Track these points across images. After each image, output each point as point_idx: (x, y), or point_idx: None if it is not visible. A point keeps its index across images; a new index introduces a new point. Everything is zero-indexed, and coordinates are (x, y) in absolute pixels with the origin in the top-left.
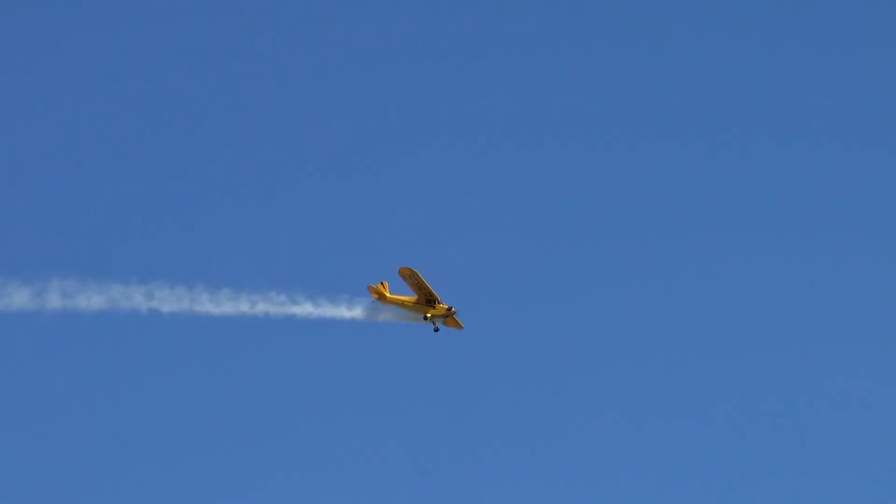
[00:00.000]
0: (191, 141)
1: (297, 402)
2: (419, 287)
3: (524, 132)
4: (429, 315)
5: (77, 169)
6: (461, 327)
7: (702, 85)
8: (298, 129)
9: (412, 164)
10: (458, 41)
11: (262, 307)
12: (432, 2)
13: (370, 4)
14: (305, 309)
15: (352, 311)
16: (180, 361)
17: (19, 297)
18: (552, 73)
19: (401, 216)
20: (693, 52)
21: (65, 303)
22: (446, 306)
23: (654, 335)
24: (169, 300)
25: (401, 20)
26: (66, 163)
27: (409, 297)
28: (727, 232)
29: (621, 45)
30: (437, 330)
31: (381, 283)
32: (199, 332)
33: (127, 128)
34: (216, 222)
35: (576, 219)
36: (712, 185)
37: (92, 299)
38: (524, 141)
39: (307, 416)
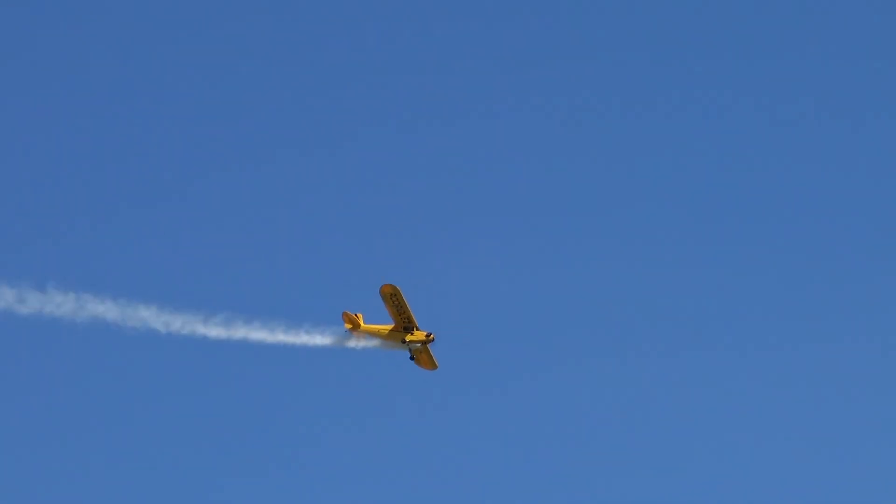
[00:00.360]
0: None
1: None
2: (398, 309)
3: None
4: (407, 339)
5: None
6: (435, 367)
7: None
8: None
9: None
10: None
11: (223, 331)
12: None
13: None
14: (273, 335)
15: (321, 339)
16: (142, 384)
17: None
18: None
19: (374, 240)
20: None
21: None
22: (425, 333)
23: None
24: (135, 320)
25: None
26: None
27: (385, 326)
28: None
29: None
30: (412, 358)
31: (356, 315)
32: (161, 355)
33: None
34: (185, 242)
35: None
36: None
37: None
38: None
39: (273, 441)
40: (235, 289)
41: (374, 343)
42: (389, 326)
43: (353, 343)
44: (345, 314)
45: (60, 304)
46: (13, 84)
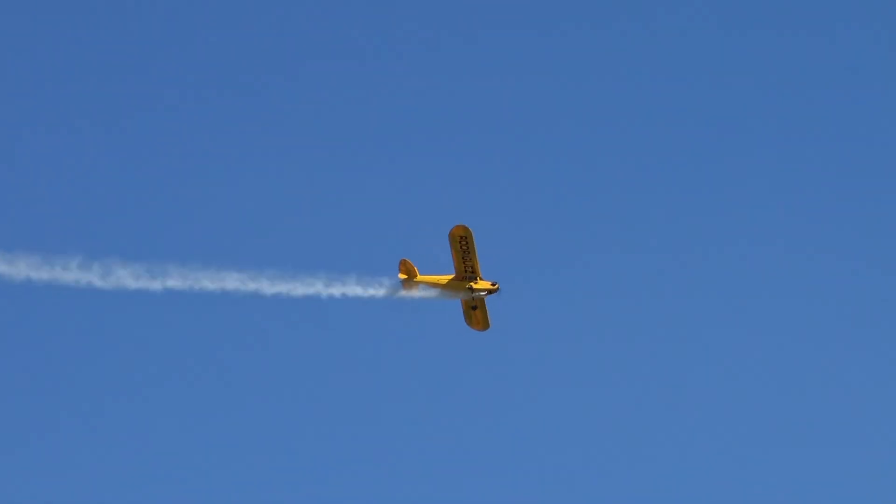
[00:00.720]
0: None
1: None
2: (465, 254)
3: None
4: (474, 286)
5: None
6: (487, 327)
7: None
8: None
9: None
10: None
11: (278, 287)
12: None
13: None
14: (324, 289)
15: (373, 290)
16: (195, 344)
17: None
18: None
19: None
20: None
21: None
22: (490, 282)
23: None
24: (190, 281)
25: None
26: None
27: (443, 277)
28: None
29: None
30: (475, 308)
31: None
32: (206, 313)
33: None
34: (229, 202)
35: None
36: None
37: (106, 279)
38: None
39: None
40: (281, 244)
41: (429, 294)
42: (448, 277)
43: (406, 294)
44: (403, 262)
45: (127, 274)
46: None
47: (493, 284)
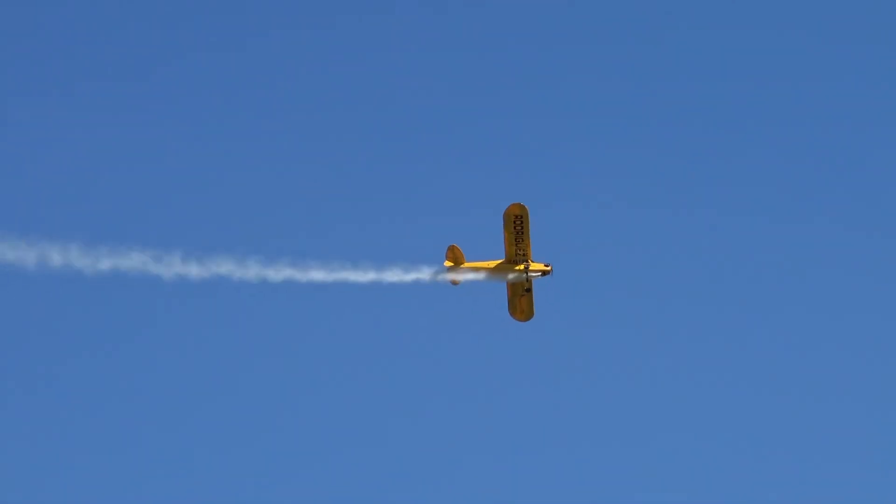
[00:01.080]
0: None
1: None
2: (519, 235)
3: None
4: (530, 268)
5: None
6: (531, 316)
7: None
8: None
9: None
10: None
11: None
12: None
13: None
14: (368, 276)
15: (417, 275)
16: (234, 333)
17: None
18: None
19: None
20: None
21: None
22: (543, 263)
23: None
24: (232, 273)
25: None
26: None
27: (490, 262)
28: None
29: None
30: (528, 290)
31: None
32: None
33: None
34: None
35: None
36: None
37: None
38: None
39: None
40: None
41: (477, 277)
42: (496, 262)
43: (451, 280)
44: (451, 248)
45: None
46: None
47: (546, 266)
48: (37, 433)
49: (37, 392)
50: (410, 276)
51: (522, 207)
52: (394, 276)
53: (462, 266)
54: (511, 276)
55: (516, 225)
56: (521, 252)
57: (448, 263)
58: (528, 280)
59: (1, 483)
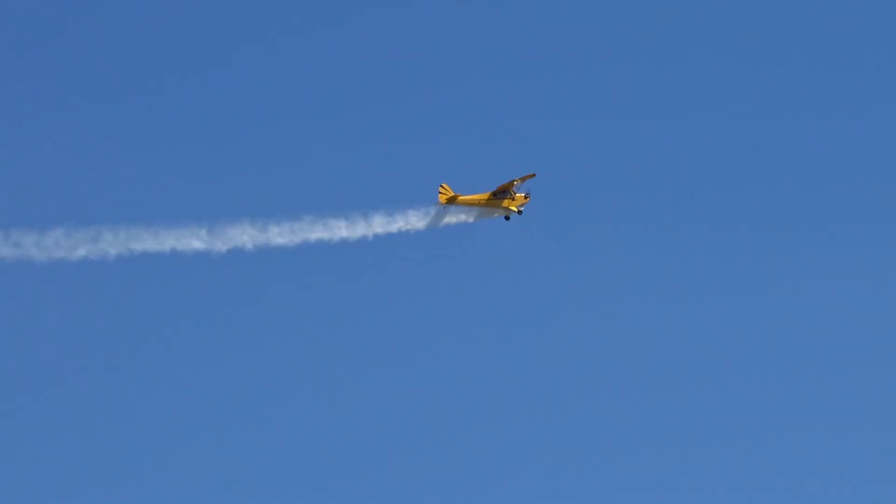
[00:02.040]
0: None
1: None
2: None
3: None
4: (509, 206)
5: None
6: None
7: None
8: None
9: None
10: None
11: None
12: None
13: None
14: (364, 228)
15: (414, 221)
16: (246, 292)
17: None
18: None
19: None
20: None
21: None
22: (523, 195)
23: None
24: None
25: None
26: None
27: (481, 195)
28: None
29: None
30: (507, 218)
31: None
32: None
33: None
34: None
35: None
36: None
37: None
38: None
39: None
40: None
41: (469, 215)
42: (486, 195)
43: (447, 219)
44: (443, 187)
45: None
46: None
47: (525, 197)
48: None
49: None
50: (409, 222)
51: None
52: (394, 224)
53: (457, 200)
54: (498, 212)
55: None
56: (503, 188)
57: (443, 200)
58: (509, 215)
59: None
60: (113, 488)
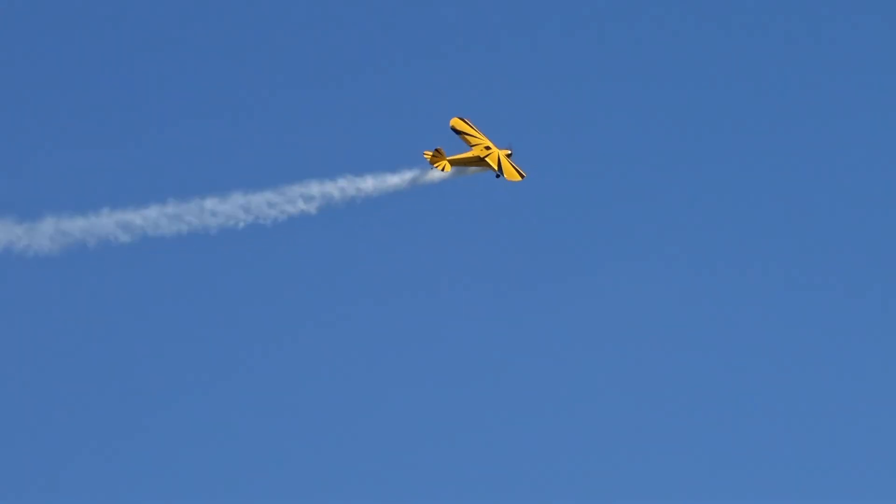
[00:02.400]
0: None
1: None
2: (474, 137)
3: None
4: (489, 160)
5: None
6: (522, 176)
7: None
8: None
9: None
10: None
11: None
12: None
13: None
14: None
15: (402, 178)
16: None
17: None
18: None
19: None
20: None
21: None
22: (505, 150)
23: None
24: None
25: None
26: None
27: (466, 154)
28: None
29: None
30: (499, 176)
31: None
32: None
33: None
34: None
35: None
36: None
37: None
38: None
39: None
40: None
41: (458, 171)
42: (471, 153)
43: (435, 175)
44: (426, 153)
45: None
46: None
47: (508, 150)
48: None
49: None
50: (395, 180)
51: (462, 119)
52: (383, 183)
53: (446, 160)
54: (487, 167)
55: (465, 134)
56: (484, 146)
57: (438, 166)
58: (496, 170)
59: None
60: (113, 489)
